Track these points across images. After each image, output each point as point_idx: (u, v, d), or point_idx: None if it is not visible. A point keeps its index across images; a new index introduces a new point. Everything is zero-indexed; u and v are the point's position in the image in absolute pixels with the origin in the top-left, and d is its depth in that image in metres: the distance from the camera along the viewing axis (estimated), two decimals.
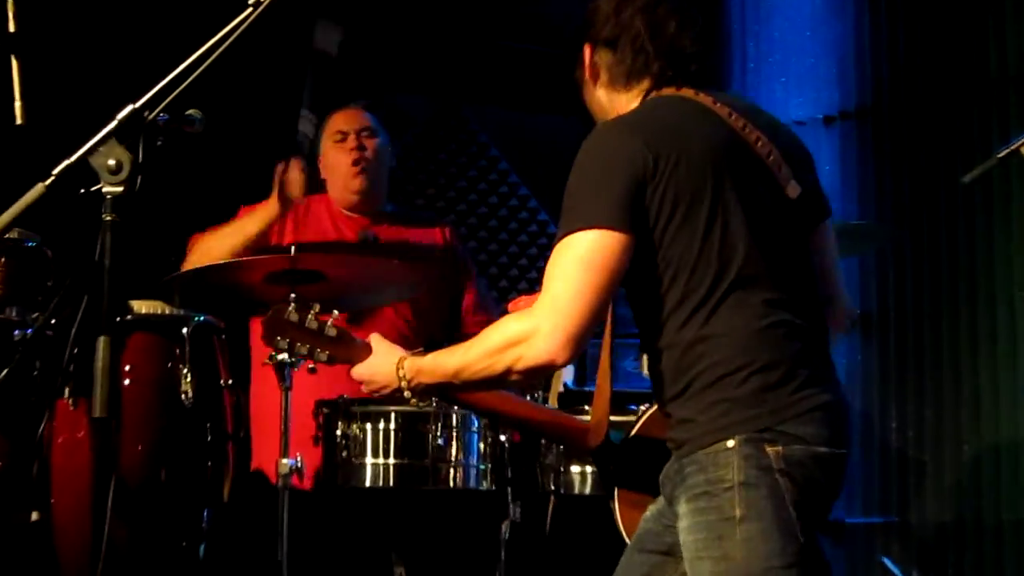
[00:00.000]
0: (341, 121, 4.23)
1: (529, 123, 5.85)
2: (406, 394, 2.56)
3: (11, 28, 3.21)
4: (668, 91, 2.47)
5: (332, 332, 2.71)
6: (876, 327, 5.20)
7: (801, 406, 2.28)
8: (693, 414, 2.32)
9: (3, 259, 3.57)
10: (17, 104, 3.18)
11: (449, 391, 2.59)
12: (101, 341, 2.11)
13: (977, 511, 4.89)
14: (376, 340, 2.65)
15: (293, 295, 3.17)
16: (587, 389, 4.01)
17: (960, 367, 4.99)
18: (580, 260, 2.26)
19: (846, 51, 5.40)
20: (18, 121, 3.17)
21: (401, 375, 2.55)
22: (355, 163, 4.15)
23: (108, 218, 2.11)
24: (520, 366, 2.31)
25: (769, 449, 2.25)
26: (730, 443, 2.26)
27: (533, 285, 5.60)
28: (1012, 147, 3.35)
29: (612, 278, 2.28)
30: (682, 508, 2.33)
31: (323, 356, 2.72)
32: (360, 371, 2.64)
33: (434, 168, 5.74)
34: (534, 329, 2.28)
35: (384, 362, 2.60)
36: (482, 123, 5.87)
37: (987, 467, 4.90)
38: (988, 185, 4.87)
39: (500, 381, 2.40)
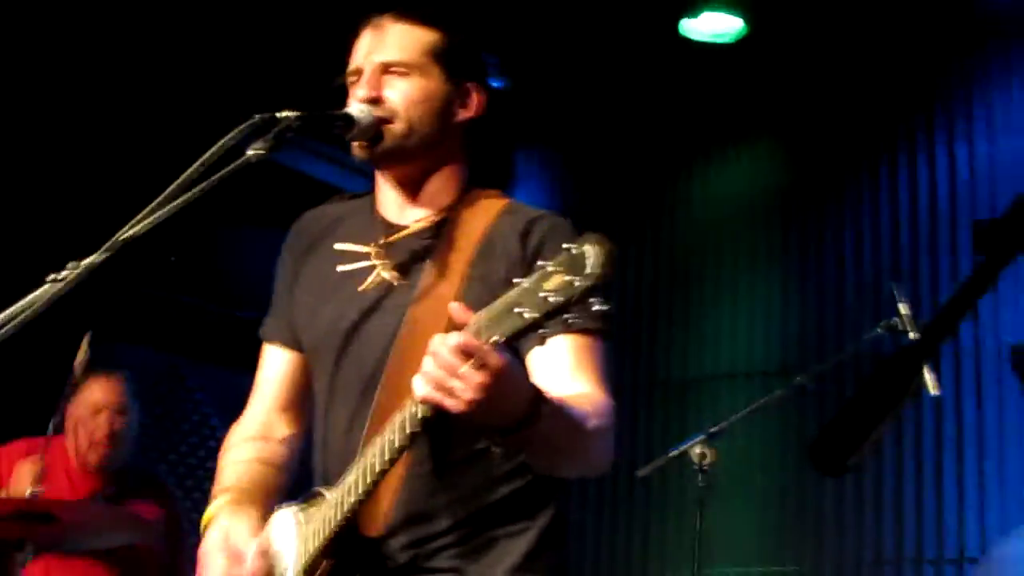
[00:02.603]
0: (99, 392, 4.89)
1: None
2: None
3: None
4: None
5: None
6: None
7: None
8: None
9: None
10: None
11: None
12: None
13: None
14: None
15: None
16: None
17: None
18: None
19: None
20: None
21: (538, 408, 2.07)
22: (101, 442, 4.86)
23: None
24: (607, 449, 2.32)
25: None
26: None
27: None
28: (683, 448, 4.52)
29: None
30: None
31: None
32: (493, 369, 1.96)
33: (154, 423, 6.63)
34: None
35: (524, 381, 2.10)
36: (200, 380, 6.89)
37: None
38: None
39: (584, 456, 2.31)
